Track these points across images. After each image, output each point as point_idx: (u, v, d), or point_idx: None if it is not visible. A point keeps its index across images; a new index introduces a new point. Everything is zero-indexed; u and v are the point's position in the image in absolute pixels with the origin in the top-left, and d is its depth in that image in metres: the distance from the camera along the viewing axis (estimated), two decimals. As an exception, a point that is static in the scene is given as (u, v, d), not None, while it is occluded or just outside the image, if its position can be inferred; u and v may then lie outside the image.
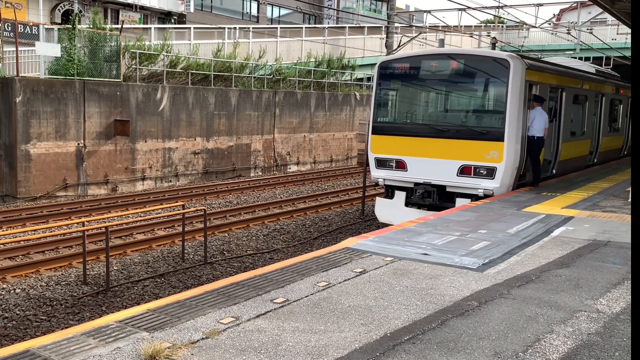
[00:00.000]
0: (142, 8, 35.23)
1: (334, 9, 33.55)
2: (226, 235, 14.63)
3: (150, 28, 25.65)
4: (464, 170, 11.88)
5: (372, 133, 13.22)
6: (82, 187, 19.08)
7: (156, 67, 22.51)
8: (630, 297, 5.67)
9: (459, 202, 11.80)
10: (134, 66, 21.58)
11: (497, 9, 31.57)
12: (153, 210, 15.93)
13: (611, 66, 31.84)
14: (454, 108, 12.69)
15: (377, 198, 13.49)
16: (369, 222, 16.14)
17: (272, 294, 5.44)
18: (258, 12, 44.85)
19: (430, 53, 13.27)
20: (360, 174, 24.52)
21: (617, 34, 35.55)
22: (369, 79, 33.31)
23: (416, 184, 12.47)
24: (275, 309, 5.06)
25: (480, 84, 12.19)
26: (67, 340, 4.29)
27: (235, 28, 28.50)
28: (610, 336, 4.70)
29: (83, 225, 11.17)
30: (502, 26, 42.90)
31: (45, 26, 20.26)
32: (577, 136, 15.99)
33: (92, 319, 8.11)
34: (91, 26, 20.83)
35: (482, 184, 11.73)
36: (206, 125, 23.21)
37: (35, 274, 11.10)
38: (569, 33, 30.99)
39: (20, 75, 17.98)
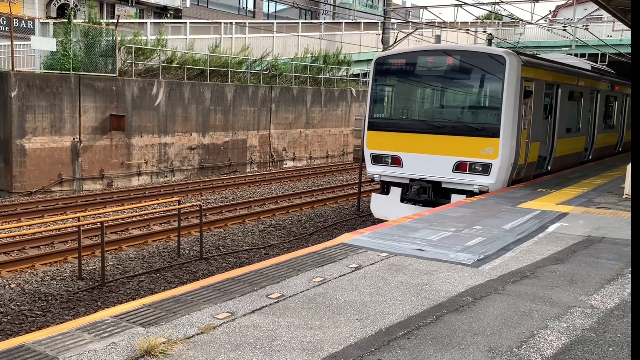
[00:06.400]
0: (138, 2, 35.11)
1: (331, 5, 33.45)
2: (222, 230, 14.62)
3: (146, 23, 25.53)
4: (459, 167, 11.91)
5: (368, 129, 13.23)
6: (78, 182, 19.03)
7: (152, 63, 22.43)
8: (624, 293, 5.70)
9: (454, 198, 11.83)
10: (129, 61, 21.51)
11: (493, 5, 31.60)
12: (149, 205, 15.90)
13: (606, 63, 31.89)
14: (449, 104, 12.70)
15: (373, 194, 13.51)
16: (365, 218, 16.15)
17: (267, 289, 5.44)
18: (254, 7, 44.74)
19: (426, 49, 13.26)
20: (356, 169, 24.52)
21: (613, 30, 35.64)
22: (365, 74, 33.26)
23: (412, 179, 12.49)
24: (270, 304, 5.07)
25: (476, 80, 12.20)
26: (62, 335, 4.30)
27: (231, 23, 28.41)
28: (604, 332, 4.72)
29: (78, 220, 11.16)
30: (498, 22, 42.91)
31: (41, 20, 20.18)
32: (572, 133, 16.03)
33: (88, 314, 8.09)
34: (87, 20, 20.74)
35: (477, 180, 11.76)
36: (202, 121, 23.16)
37: (30, 269, 11.08)
38: (564, 30, 31.06)
39: (15, 69, 17.91)
